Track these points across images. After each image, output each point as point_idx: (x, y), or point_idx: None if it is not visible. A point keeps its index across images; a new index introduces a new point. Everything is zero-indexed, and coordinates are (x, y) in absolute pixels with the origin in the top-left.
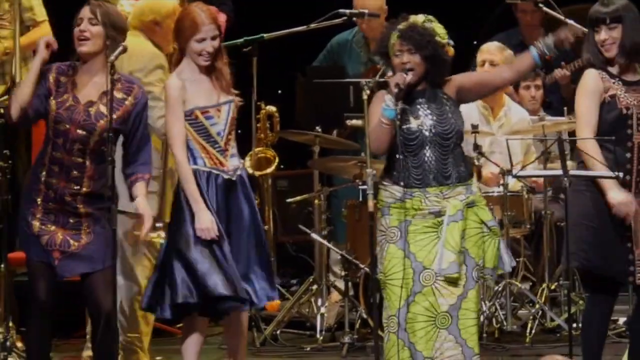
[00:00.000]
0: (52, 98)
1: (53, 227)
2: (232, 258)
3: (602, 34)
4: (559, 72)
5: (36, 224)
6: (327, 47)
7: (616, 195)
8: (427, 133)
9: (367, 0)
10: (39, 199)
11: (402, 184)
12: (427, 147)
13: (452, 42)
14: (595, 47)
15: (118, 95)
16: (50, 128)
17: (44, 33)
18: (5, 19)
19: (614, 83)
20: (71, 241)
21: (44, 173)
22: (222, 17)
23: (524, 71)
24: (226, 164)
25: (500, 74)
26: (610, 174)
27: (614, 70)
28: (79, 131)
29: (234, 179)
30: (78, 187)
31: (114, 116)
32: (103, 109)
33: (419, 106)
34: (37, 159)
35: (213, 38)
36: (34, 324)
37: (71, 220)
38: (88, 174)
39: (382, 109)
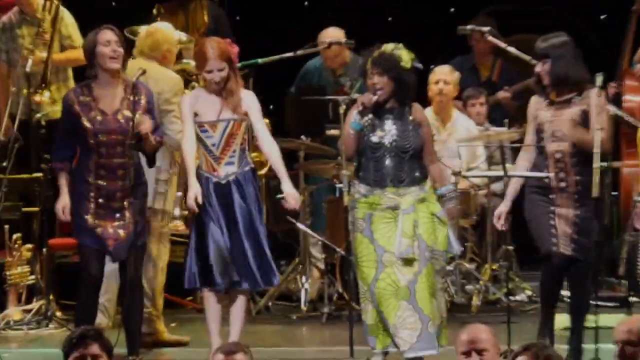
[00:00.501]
0: (82, 118)
1: (104, 222)
2: (229, 249)
3: (537, 67)
4: (501, 94)
5: (90, 219)
6: (301, 72)
7: (501, 206)
8: (387, 145)
9: (329, 33)
10: (91, 200)
11: (366, 182)
12: (387, 156)
13: (420, 66)
14: (536, 76)
15: (133, 98)
16: (91, 141)
17: (80, 54)
18: (47, 33)
19: (541, 104)
20: (120, 231)
21: (91, 178)
22: (235, 50)
23: (434, 178)
24: (218, 170)
25: (430, 158)
26: (543, 175)
27: (551, 93)
28: (117, 136)
29: (223, 182)
30: (123, 183)
31: (137, 115)
32: (127, 112)
33: (387, 121)
34: (79, 167)
35: (219, 70)
36: (87, 296)
37: (117, 215)
38: (129, 169)
39: (350, 122)
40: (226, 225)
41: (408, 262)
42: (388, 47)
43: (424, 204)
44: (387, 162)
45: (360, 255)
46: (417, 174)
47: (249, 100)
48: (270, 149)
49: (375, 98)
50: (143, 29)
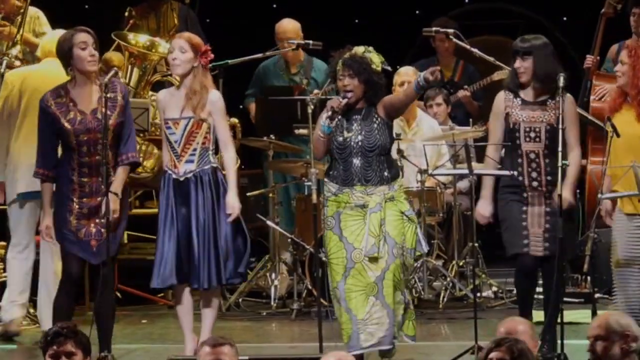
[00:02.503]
0: (61, 119)
1: (86, 221)
2: (183, 247)
3: (517, 63)
4: (460, 93)
5: (73, 221)
6: (255, 73)
7: (481, 205)
8: (354, 145)
9: (286, 26)
10: (74, 198)
11: (335, 181)
12: (354, 156)
13: (389, 68)
14: (514, 73)
15: (110, 95)
16: (72, 142)
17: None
18: (17, 18)
19: (513, 102)
20: (102, 229)
21: (75, 176)
22: (209, 52)
23: (409, 95)
24: (179, 167)
25: (398, 96)
26: (507, 173)
27: (522, 91)
28: (97, 135)
29: (181, 179)
30: (103, 180)
31: (115, 113)
32: (104, 109)
33: (354, 122)
34: (63, 166)
35: (182, 51)
36: (65, 295)
37: (98, 212)
38: (111, 165)
39: (320, 124)
40: (182, 223)
41: (373, 259)
42: (359, 49)
43: (392, 202)
44: (355, 161)
45: (331, 252)
46: (385, 173)
47: (214, 102)
48: (225, 155)
49: (344, 102)
50: (131, 36)
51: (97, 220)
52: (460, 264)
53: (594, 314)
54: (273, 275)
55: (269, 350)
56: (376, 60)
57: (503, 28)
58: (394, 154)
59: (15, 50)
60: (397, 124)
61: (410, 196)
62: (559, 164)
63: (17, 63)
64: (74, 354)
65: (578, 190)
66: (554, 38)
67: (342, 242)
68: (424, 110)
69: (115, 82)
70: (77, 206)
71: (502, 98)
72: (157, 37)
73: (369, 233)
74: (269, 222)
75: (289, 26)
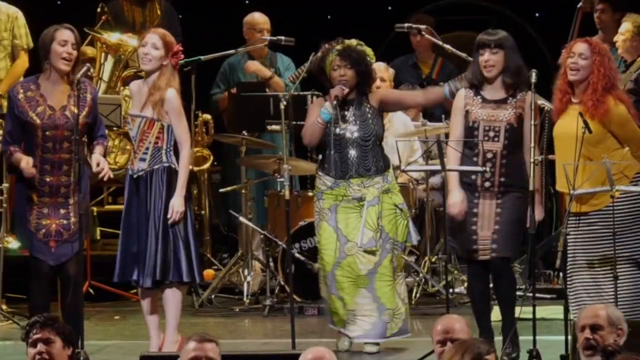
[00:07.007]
0: (29, 113)
1: (49, 220)
2: (127, 244)
3: (486, 56)
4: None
5: (33, 221)
6: (221, 70)
7: (451, 197)
8: (350, 135)
9: (258, 18)
10: (34, 197)
11: (331, 174)
12: (350, 147)
13: (384, 65)
14: (477, 68)
15: (78, 94)
16: (38, 137)
17: (18, 67)
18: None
19: (473, 100)
20: (63, 231)
21: (36, 174)
22: (179, 52)
23: (433, 101)
24: (135, 164)
25: (414, 97)
26: (479, 169)
27: (482, 89)
28: (64, 132)
29: (134, 177)
30: (67, 178)
31: (83, 113)
32: (74, 108)
33: (347, 112)
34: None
35: (154, 47)
36: (39, 289)
37: (62, 211)
38: (74, 165)
39: (321, 111)
40: (134, 219)
41: (370, 253)
42: (352, 42)
43: (387, 195)
44: (351, 152)
45: (323, 242)
46: (381, 163)
47: (168, 100)
48: (180, 154)
49: (346, 90)
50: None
51: (60, 222)
52: (433, 260)
53: (566, 310)
54: (246, 272)
55: (242, 346)
56: (370, 52)
57: (474, 23)
58: None
59: None
60: None
61: None
62: (531, 159)
63: None
64: (52, 340)
65: (551, 186)
66: (526, 34)
67: (335, 234)
68: None
69: (86, 82)
70: (36, 206)
71: (462, 95)
72: (143, 29)
73: (366, 226)
74: (241, 219)
75: (261, 18)
